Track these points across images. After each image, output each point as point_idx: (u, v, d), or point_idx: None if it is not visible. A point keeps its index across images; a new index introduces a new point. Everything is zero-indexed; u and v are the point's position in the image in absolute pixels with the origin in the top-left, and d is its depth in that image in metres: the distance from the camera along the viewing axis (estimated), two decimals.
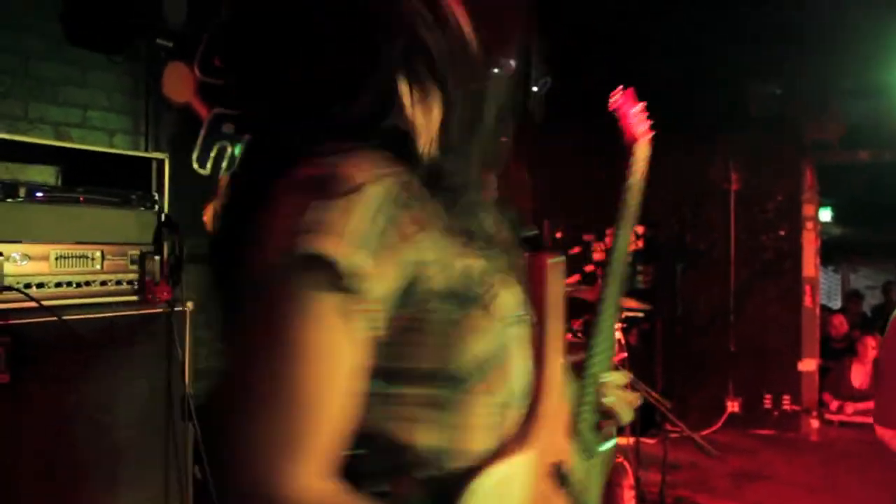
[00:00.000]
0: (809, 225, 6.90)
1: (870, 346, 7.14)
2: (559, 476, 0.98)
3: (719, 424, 6.69)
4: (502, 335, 0.90)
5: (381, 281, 0.80)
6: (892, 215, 8.31)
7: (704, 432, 6.39)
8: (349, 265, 0.77)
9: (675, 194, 6.83)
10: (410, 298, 0.83)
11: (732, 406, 6.78)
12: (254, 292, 0.80)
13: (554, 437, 1.00)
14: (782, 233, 6.89)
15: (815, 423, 6.80)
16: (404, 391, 0.85)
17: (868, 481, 4.42)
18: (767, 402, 6.79)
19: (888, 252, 11.04)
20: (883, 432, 3.25)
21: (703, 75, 6.27)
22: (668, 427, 3.92)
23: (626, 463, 3.95)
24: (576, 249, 4.78)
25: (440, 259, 0.86)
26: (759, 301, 6.87)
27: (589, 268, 4.71)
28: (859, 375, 7.21)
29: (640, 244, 4.91)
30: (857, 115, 6.61)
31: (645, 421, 5.09)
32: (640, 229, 4.71)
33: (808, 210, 6.91)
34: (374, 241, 0.80)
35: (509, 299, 0.92)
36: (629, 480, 3.98)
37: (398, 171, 0.86)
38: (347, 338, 0.78)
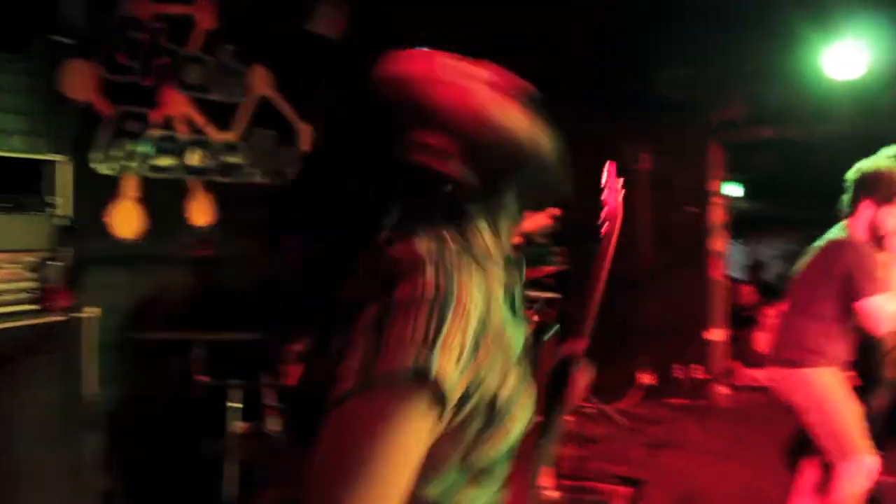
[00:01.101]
0: (717, 200, 7.15)
1: (769, 315, 7.47)
2: None
3: (632, 396, 6.90)
4: (512, 442, 1.01)
5: (456, 395, 0.90)
6: (797, 190, 8.63)
7: (620, 405, 6.59)
8: (450, 386, 0.87)
9: (587, 175, 6.94)
10: (461, 406, 0.92)
11: (645, 377, 6.99)
12: (360, 397, 0.85)
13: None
14: (692, 209, 7.12)
15: (724, 390, 7.06)
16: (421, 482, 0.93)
17: (774, 442, 4.64)
18: (679, 372, 7.04)
19: (794, 224, 11.44)
20: (773, 372, 3.46)
21: (613, 57, 6.42)
22: (582, 403, 4.05)
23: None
24: None
25: (491, 373, 0.95)
26: (670, 276, 7.09)
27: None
28: (763, 342, 7.51)
29: (554, 225, 5.03)
30: (762, 95, 6.85)
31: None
32: (555, 211, 4.81)
33: (715, 187, 7.15)
34: (468, 362, 0.90)
35: (525, 414, 1.03)
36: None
37: (486, 271, 1.00)
38: (423, 443, 0.88)
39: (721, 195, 7.24)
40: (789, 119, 6.93)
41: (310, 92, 5.50)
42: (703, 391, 7.04)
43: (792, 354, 3.33)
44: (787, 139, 7.44)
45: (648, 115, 6.88)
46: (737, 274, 11.00)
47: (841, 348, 3.32)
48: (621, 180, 1.80)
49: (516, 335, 1.06)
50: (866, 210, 3.33)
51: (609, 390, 6.85)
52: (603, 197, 1.85)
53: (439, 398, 0.87)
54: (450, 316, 0.88)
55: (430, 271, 0.91)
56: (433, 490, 0.96)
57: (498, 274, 1.05)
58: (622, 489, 4.66)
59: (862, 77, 6.03)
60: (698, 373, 7.01)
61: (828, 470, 4.04)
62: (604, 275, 1.62)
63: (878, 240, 3.32)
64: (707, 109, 6.99)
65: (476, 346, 0.92)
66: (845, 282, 3.23)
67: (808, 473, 4.09)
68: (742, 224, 10.74)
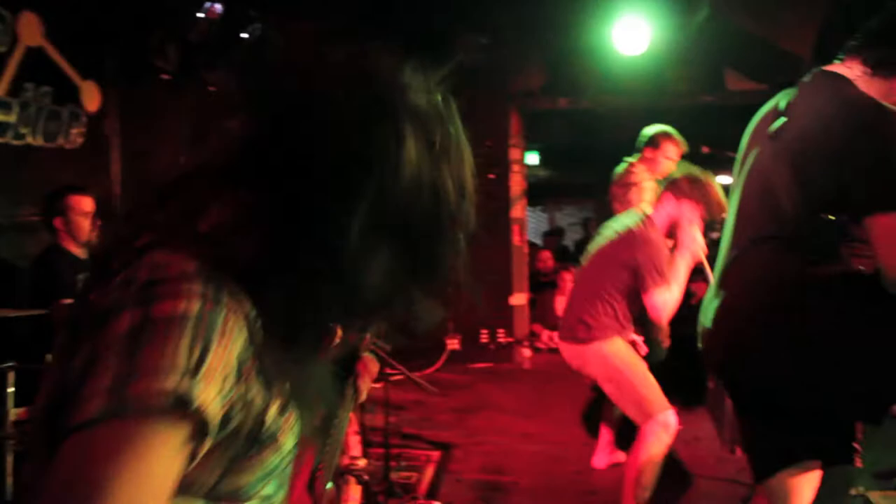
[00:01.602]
0: (516, 168, 7.34)
1: (567, 279, 7.83)
2: None
3: (440, 362, 7.00)
4: (273, 464, 0.92)
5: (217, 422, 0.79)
6: (590, 157, 9.06)
7: (428, 371, 6.66)
8: (212, 416, 0.76)
9: None
10: (220, 432, 0.81)
11: (452, 344, 7.11)
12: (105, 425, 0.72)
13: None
14: (491, 177, 7.26)
15: (527, 353, 7.33)
16: None
17: (574, 400, 4.88)
18: (484, 337, 7.21)
19: (588, 191, 12.03)
20: (566, 348, 3.62)
21: (410, 24, 6.36)
22: (389, 371, 4.00)
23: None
24: None
25: (254, 401, 0.85)
26: (473, 243, 7.20)
27: None
28: (562, 305, 7.87)
29: None
30: (557, 65, 7.09)
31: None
32: None
33: (514, 154, 7.34)
34: (229, 384, 0.79)
35: (288, 442, 0.93)
36: (353, 427, 4.03)
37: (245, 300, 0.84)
38: (179, 474, 0.77)
39: (520, 163, 7.44)
40: (582, 90, 7.22)
41: (94, 45, 5.04)
42: (507, 354, 7.27)
43: (581, 332, 3.49)
44: (579, 109, 7.77)
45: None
46: (536, 240, 11.44)
47: (625, 323, 3.52)
48: None
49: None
50: (668, 203, 3.51)
51: (417, 357, 6.92)
52: None
53: (200, 430, 0.76)
54: (215, 339, 0.77)
55: (197, 286, 0.79)
56: None
57: None
58: (432, 454, 4.69)
59: (647, 53, 6.36)
60: (502, 337, 7.22)
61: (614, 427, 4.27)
62: None
63: (673, 231, 3.52)
64: (505, 78, 7.14)
65: (241, 371, 0.81)
66: (634, 273, 3.42)
67: (606, 431, 4.31)
68: (539, 191, 11.19)
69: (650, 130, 4.92)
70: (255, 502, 0.93)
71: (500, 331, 7.22)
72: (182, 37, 5.36)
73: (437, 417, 5.57)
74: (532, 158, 9.98)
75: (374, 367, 1.43)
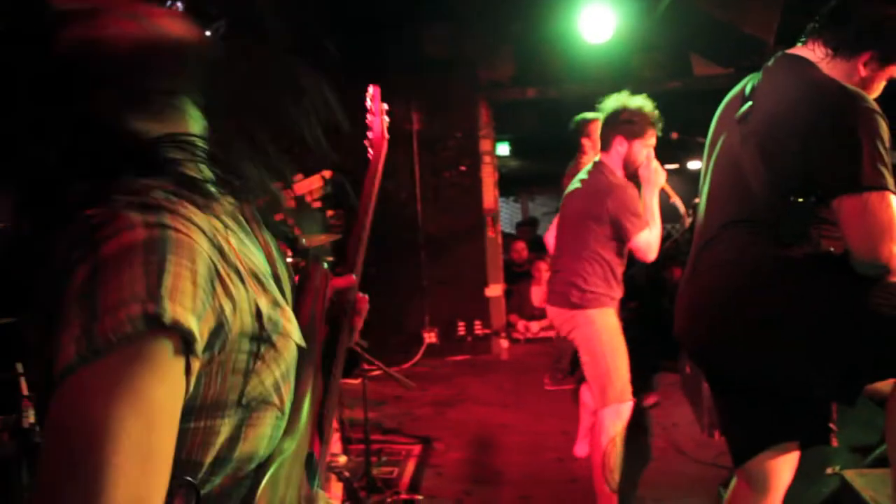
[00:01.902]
0: (487, 159, 7.33)
1: (543, 269, 7.85)
2: (309, 464, 1.07)
3: (418, 356, 7.00)
4: (289, 361, 0.94)
5: (204, 335, 0.80)
6: (560, 146, 9.03)
7: (405, 365, 6.66)
8: (192, 325, 0.76)
9: (356, 138, 6.88)
10: (215, 343, 0.82)
11: (430, 337, 7.11)
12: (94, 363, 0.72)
13: (307, 431, 1.05)
14: (463, 168, 7.26)
15: (504, 344, 7.33)
16: (206, 423, 0.86)
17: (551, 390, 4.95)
18: (461, 330, 7.22)
19: (559, 181, 12.03)
20: (555, 312, 3.59)
21: (381, 14, 6.34)
22: (367, 366, 3.99)
23: None
24: None
25: (241, 303, 0.86)
26: (446, 235, 7.22)
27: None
28: (538, 295, 7.90)
29: (326, 188, 4.89)
30: (525, 55, 7.09)
31: (347, 363, 5.16)
32: (327, 174, 4.67)
33: (485, 145, 7.33)
34: (207, 301, 0.80)
35: (294, 331, 0.96)
36: (333, 423, 4.02)
37: (209, 207, 0.87)
38: (181, 393, 0.78)
39: (491, 154, 7.44)
40: (550, 79, 7.22)
41: None
42: (484, 346, 7.28)
43: (575, 296, 3.45)
44: (548, 99, 7.77)
45: (417, 75, 6.91)
46: (510, 230, 11.45)
47: (617, 288, 3.50)
48: (385, 105, 1.70)
49: (260, 259, 1.00)
50: (619, 146, 3.50)
51: (395, 352, 6.91)
52: (368, 121, 1.74)
53: (184, 340, 0.77)
54: (169, 258, 0.78)
55: (135, 217, 0.79)
56: (218, 436, 0.88)
57: (224, 207, 0.95)
58: (413, 448, 4.69)
59: (613, 40, 6.38)
60: (479, 329, 7.23)
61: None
62: (371, 203, 1.53)
63: (631, 173, 3.51)
64: (474, 68, 7.13)
65: (213, 281, 0.82)
66: (612, 224, 3.39)
67: (586, 419, 4.32)
68: (512, 182, 11.21)
69: (576, 119, 5.13)
70: (287, 407, 0.95)
71: (477, 322, 7.23)
72: None
73: (416, 411, 5.56)
74: (503, 149, 9.98)
75: (364, 304, 1.43)
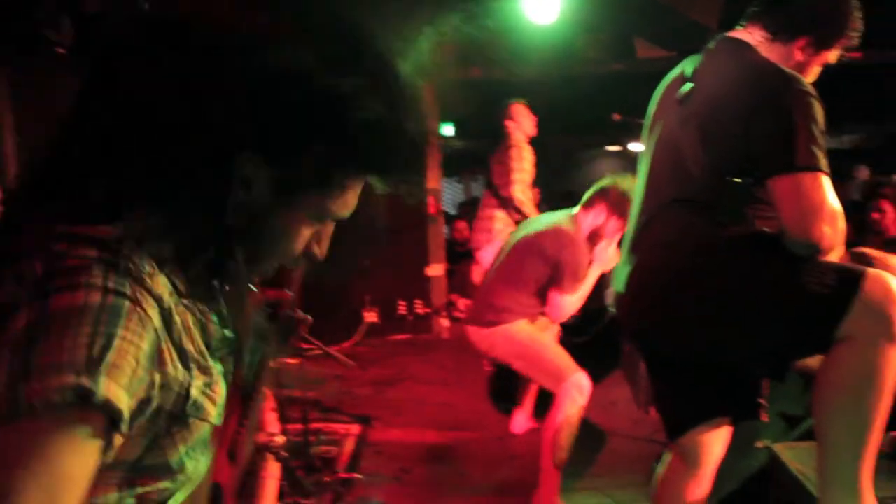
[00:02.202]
0: (431, 139, 7.29)
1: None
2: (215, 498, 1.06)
3: (359, 336, 6.96)
4: (198, 439, 0.90)
5: (132, 410, 0.75)
6: (501, 128, 9.06)
7: (346, 345, 6.62)
8: (123, 405, 0.72)
9: None
10: (138, 416, 0.78)
11: (370, 317, 7.08)
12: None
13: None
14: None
15: (445, 323, 7.33)
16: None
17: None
18: (402, 309, 7.20)
19: None
20: (473, 332, 3.65)
21: None
22: (306, 346, 3.95)
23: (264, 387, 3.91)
24: None
25: (172, 383, 0.81)
26: (388, 214, 7.16)
27: None
28: (479, 275, 7.92)
29: None
30: (470, 35, 7.05)
31: (283, 335, 5.10)
32: None
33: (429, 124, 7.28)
34: (143, 378, 0.76)
35: (214, 414, 0.91)
36: (270, 403, 3.97)
37: (168, 281, 0.82)
38: (94, 466, 0.74)
39: (434, 133, 7.40)
40: (494, 60, 7.20)
41: None
42: (425, 325, 7.27)
43: (490, 315, 3.52)
44: (493, 79, 7.76)
45: None
46: (452, 210, 11.45)
47: (533, 311, 3.60)
48: None
49: (206, 328, 0.94)
50: (600, 213, 3.55)
51: (335, 331, 6.86)
52: None
53: (110, 423, 0.73)
54: (118, 331, 0.73)
55: (96, 275, 0.74)
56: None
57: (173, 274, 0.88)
58: (352, 427, 4.66)
59: (558, 21, 6.39)
60: (420, 308, 7.22)
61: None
62: None
63: (593, 240, 3.56)
64: (418, 49, 7.06)
65: (154, 358, 0.78)
66: (553, 271, 3.46)
67: (523, 397, 4.36)
68: (455, 162, 11.18)
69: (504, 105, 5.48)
70: (182, 476, 0.90)
71: (418, 302, 7.22)
72: (76, 7, 5.07)
73: (356, 391, 5.54)
74: (447, 129, 9.93)
75: (306, 320, 1.40)
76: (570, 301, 3.54)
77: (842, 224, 1.93)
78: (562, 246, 3.50)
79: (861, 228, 5.47)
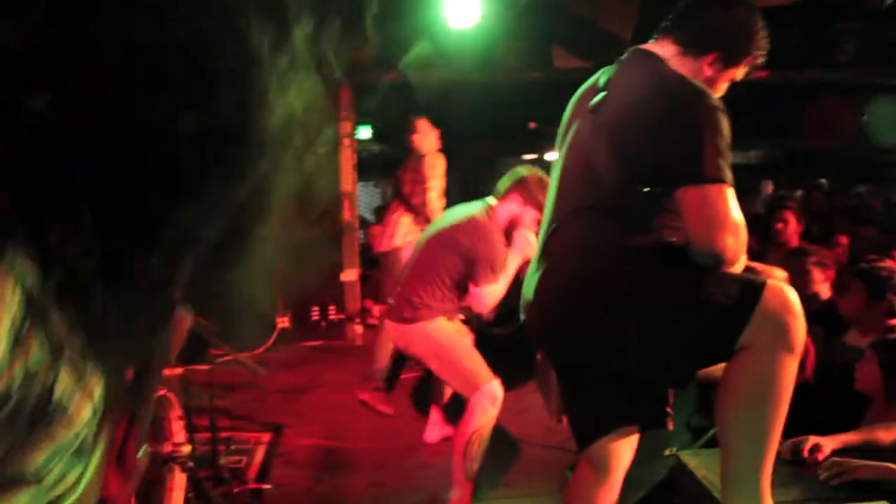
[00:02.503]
0: (346, 142, 7.21)
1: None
2: None
3: (271, 341, 6.82)
4: (76, 437, 0.87)
5: None
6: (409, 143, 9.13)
7: (257, 351, 6.48)
8: None
9: None
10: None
11: (283, 322, 6.95)
12: None
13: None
14: (321, 150, 7.10)
15: (359, 329, 7.25)
16: None
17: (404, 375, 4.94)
18: (315, 315, 7.09)
19: None
20: (391, 328, 3.62)
21: None
22: (215, 352, 3.83)
23: (170, 395, 3.78)
24: None
25: (37, 371, 0.78)
26: (301, 217, 7.05)
27: None
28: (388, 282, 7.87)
29: None
30: (388, 38, 7.00)
31: (195, 349, 4.95)
32: None
33: (345, 128, 7.21)
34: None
35: (88, 411, 0.88)
36: (176, 412, 3.84)
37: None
38: None
39: (350, 136, 7.33)
40: (412, 64, 7.17)
41: None
42: (338, 332, 7.18)
43: (407, 312, 3.49)
44: (409, 83, 7.73)
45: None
46: (368, 215, 11.36)
47: (451, 306, 3.58)
48: None
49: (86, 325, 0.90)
50: (514, 202, 3.55)
51: (246, 336, 6.70)
52: None
53: None
54: None
55: None
56: None
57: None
58: (263, 436, 4.56)
59: (477, 27, 6.40)
60: (333, 314, 7.13)
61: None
62: None
63: (510, 230, 3.58)
64: (337, 49, 6.98)
65: (18, 336, 0.75)
66: (468, 264, 3.44)
67: (437, 405, 4.35)
68: (371, 166, 11.11)
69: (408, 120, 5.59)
70: (50, 480, 0.85)
71: (332, 308, 7.13)
72: None
73: (267, 398, 5.42)
74: (364, 132, 9.87)
75: (187, 322, 1.34)
76: (491, 292, 3.51)
77: (744, 236, 1.97)
78: (476, 238, 3.48)
79: (765, 240, 5.67)
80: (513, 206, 3.57)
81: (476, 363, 3.42)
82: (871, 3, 5.59)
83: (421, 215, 5.35)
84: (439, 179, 5.47)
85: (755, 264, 3.77)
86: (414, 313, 3.48)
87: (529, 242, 3.52)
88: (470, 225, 3.53)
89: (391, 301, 3.70)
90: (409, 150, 5.58)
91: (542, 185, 3.51)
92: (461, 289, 3.55)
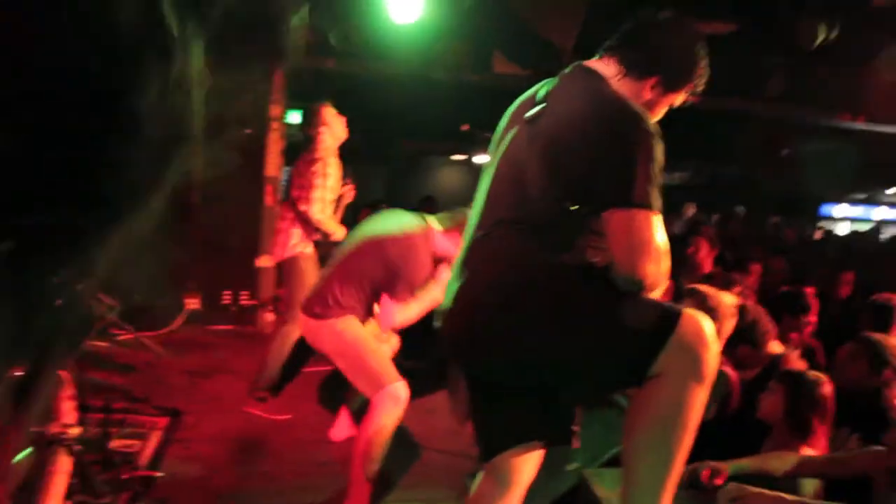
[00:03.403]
0: (275, 126, 7.06)
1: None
2: None
3: (179, 322, 6.63)
4: None
5: None
6: (355, 121, 8.97)
7: (163, 331, 6.29)
8: None
9: None
10: None
11: (192, 303, 6.76)
12: None
13: None
14: (248, 132, 6.94)
15: (270, 317, 7.10)
16: None
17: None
18: (227, 298, 6.92)
19: (351, 155, 11.92)
20: (303, 322, 3.54)
21: None
22: (115, 330, 3.66)
23: (62, 373, 3.60)
24: None
25: None
26: (221, 199, 6.87)
27: None
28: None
29: None
30: (326, 25, 6.87)
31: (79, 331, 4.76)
32: None
33: (275, 111, 7.05)
34: None
35: None
36: (67, 390, 3.66)
37: None
38: None
39: (279, 120, 7.17)
40: (350, 53, 7.08)
41: None
42: (249, 317, 7.03)
43: (319, 308, 3.42)
44: (347, 72, 7.64)
45: (212, 31, 6.50)
46: None
47: (366, 310, 3.50)
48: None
49: None
50: (455, 241, 3.49)
51: (154, 316, 6.49)
52: None
53: None
54: None
55: None
56: None
57: None
58: (160, 420, 4.40)
59: (419, 23, 6.35)
60: (245, 299, 6.98)
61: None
62: None
63: (440, 261, 3.54)
64: (271, 32, 6.81)
65: None
66: (391, 277, 3.38)
67: (346, 403, 4.27)
68: (298, 152, 10.91)
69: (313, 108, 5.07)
70: None
71: (244, 293, 6.97)
72: None
73: (169, 380, 5.26)
74: (295, 118, 9.69)
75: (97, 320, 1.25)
76: (402, 311, 3.47)
77: (667, 264, 1.97)
78: (406, 255, 3.42)
79: (681, 262, 5.79)
80: (454, 245, 3.51)
81: (381, 363, 3.36)
82: (801, 41, 5.77)
83: (308, 224, 4.93)
84: (328, 189, 4.96)
85: (703, 287, 3.82)
86: (325, 310, 3.41)
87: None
88: (404, 241, 3.47)
89: (306, 296, 3.61)
90: (310, 145, 5.13)
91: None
92: (376, 296, 3.50)
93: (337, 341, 3.42)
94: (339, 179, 5.06)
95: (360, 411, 3.78)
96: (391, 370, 3.35)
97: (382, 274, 3.44)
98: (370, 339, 3.45)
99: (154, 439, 4.13)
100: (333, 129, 5.09)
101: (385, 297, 3.47)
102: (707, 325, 1.97)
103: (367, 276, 3.45)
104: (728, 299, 3.80)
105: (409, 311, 3.49)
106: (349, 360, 3.41)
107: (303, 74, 7.59)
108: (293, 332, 4.68)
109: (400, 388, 3.31)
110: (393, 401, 3.29)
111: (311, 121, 5.06)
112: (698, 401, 1.95)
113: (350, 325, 3.42)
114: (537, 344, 2.03)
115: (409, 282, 3.42)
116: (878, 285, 5.61)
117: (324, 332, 3.44)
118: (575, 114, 2.05)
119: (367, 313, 3.55)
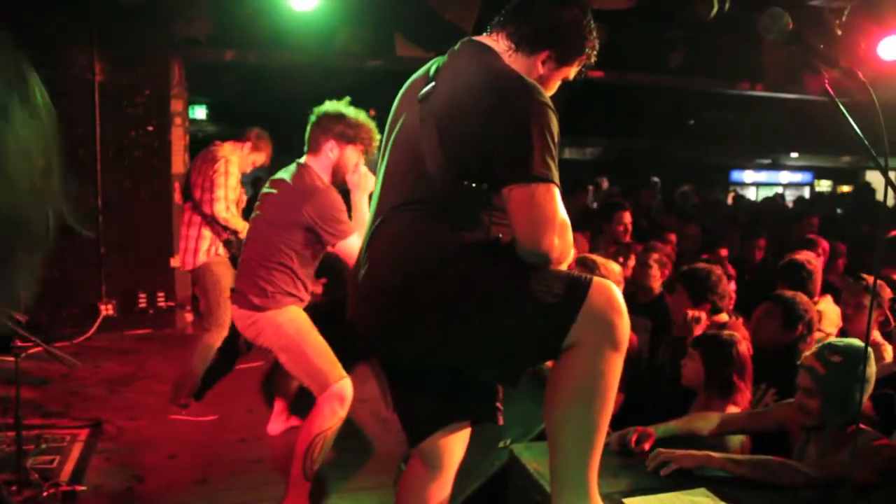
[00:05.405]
0: (178, 121, 6.86)
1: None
2: None
3: (93, 330, 6.42)
4: None
5: None
6: (260, 113, 8.80)
7: (78, 340, 6.08)
8: None
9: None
10: None
11: (106, 310, 6.55)
12: None
13: None
14: (151, 129, 6.74)
15: (189, 317, 6.95)
16: None
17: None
18: (142, 302, 6.73)
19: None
20: (238, 315, 3.41)
21: None
22: (22, 343, 3.49)
23: None
24: None
25: None
26: (129, 199, 6.67)
27: None
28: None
29: None
30: (224, 13, 6.69)
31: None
32: None
33: (176, 106, 6.85)
34: None
35: None
36: None
37: None
38: None
39: (182, 115, 6.97)
40: (251, 43, 6.92)
41: None
42: (168, 320, 6.86)
43: (256, 298, 3.29)
44: (248, 63, 7.47)
45: (107, 23, 6.29)
46: None
47: (304, 288, 3.39)
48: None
49: None
50: (330, 150, 3.40)
51: (66, 325, 6.27)
52: None
53: None
54: None
55: None
56: None
57: None
58: (80, 432, 4.26)
59: (319, 9, 6.25)
60: (162, 301, 6.80)
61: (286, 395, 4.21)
62: None
63: (339, 179, 3.42)
64: (169, 22, 6.61)
65: None
66: (308, 230, 3.26)
67: (281, 396, 4.22)
68: (206, 145, 10.67)
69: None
70: None
71: (160, 294, 6.78)
72: None
73: (87, 391, 5.09)
74: (199, 112, 9.47)
75: None
76: (354, 241, 3.23)
77: (570, 236, 1.97)
78: (301, 202, 3.28)
79: (598, 233, 5.90)
80: (329, 154, 3.42)
81: (327, 360, 3.26)
82: (697, 13, 5.91)
83: (215, 225, 4.77)
84: (231, 189, 4.84)
85: (594, 256, 3.88)
86: (263, 300, 3.27)
87: (366, 175, 3.38)
88: (287, 193, 3.34)
89: (234, 289, 3.45)
90: (206, 142, 5.03)
91: (353, 126, 3.43)
92: (312, 259, 3.37)
93: (278, 336, 3.27)
94: (239, 182, 4.98)
95: (297, 403, 3.70)
96: (336, 367, 3.25)
97: (300, 234, 3.23)
98: (314, 333, 3.31)
99: (75, 452, 4.01)
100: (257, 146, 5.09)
101: (331, 248, 3.31)
102: (617, 292, 1.99)
103: (289, 249, 3.28)
104: (615, 267, 3.89)
105: (355, 240, 3.25)
106: (292, 356, 3.28)
107: (204, 67, 7.40)
108: (215, 342, 4.57)
109: (346, 387, 3.24)
110: (339, 401, 3.22)
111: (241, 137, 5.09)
112: (615, 368, 1.97)
113: (291, 317, 3.28)
114: (445, 325, 2.00)
115: (331, 216, 3.26)
116: (788, 247, 5.86)
117: (263, 326, 3.28)
118: (467, 90, 2.01)
119: (307, 292, 3.41)
